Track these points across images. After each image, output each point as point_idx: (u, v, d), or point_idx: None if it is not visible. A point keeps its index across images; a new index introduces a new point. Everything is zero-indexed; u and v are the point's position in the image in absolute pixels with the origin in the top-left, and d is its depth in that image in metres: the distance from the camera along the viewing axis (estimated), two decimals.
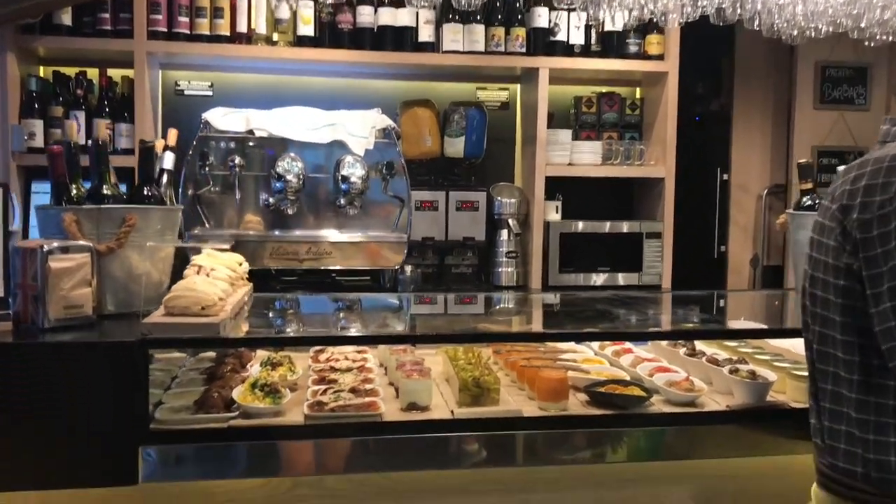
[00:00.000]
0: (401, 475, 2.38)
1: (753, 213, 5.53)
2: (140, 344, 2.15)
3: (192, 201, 4.05)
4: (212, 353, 2.81)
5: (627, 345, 2.98)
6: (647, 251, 4.81)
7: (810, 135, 5.40)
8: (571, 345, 3.03)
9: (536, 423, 2.38)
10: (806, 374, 2.51)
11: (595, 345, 3.07)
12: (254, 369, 2.65)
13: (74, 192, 2.50)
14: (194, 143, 4.06)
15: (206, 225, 4.08)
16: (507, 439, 2.35)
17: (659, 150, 4.88)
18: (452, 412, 2.39)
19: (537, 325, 3.37)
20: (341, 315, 3.15)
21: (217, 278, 2.50)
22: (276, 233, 4.14)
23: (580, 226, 4.79)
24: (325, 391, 2.42)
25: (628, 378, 2.65)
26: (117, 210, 2.47)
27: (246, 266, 2.87)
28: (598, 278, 4.80)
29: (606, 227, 4.81)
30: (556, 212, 4.84)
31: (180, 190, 3.98)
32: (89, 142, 3.14)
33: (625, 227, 4.82)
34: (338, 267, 4.19)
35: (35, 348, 2.15)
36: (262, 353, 2.81)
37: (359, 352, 2.86)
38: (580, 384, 2.57)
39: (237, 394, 2.35)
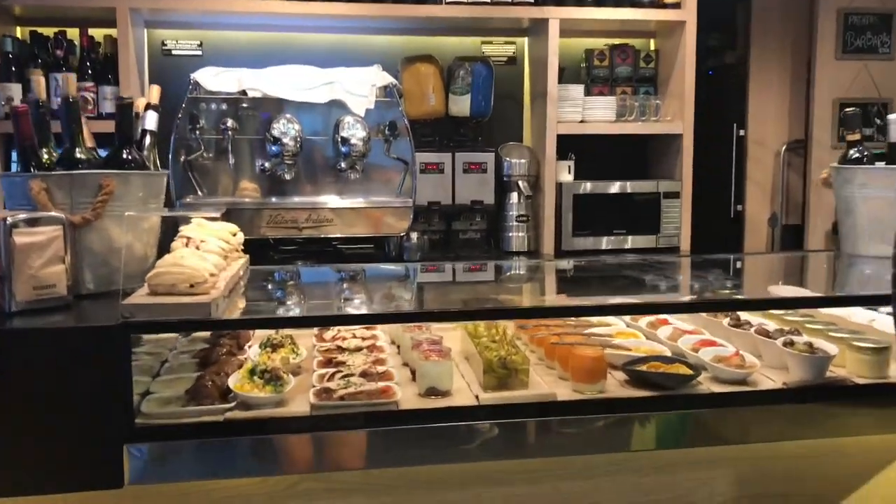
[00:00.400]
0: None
1: (771, 170, 5.35)
2: (121, 328, 1.90)
3: (184, 168, 3.84)
4: (206, 334, 2.56)
5: (663, 315, 2.72)
6: (664, 212, 4.58)
7: (831, 86, 5.19)
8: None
9: (572, 407, 2.13)
10: (868, 345, 2.31)
11: (626, 315, 2.81)
12: (252, 350, 2.41)
13: (45, 157, 2.24)
14: (183, 105, 3.85)
15: (199, 193, 3.87)
16: (539, 426, 2.10)
17: (676, 105, 4.65)
18: (477, 397, 2.14)
19: (570, 297, 3.09)
20: (347, 288, 2.90)
21: (208, 251, 2.25)
22: (274, 200, 3.92)
23: (594, 186, 4.55)
24: (332, 376, 2.18)
25: (670, 354, 2.40)
26: (92, 176, 2.20)
27: (241, 236, 2.63)
28: (614, 241, 4.57)
29: (622, 187, 4.57)
30: (569, 172, 4.62)
31: (171, 156, 3.78)
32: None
33: (641, 186, 4.59)
34: (339, 235, 3.98)
35: (0, 335, 1.89)
36: (261, 333, 2.58)
37: (368, 328, 2.62)
38: (617, 362, 2.32)
39: (234, 381, 2.11)
